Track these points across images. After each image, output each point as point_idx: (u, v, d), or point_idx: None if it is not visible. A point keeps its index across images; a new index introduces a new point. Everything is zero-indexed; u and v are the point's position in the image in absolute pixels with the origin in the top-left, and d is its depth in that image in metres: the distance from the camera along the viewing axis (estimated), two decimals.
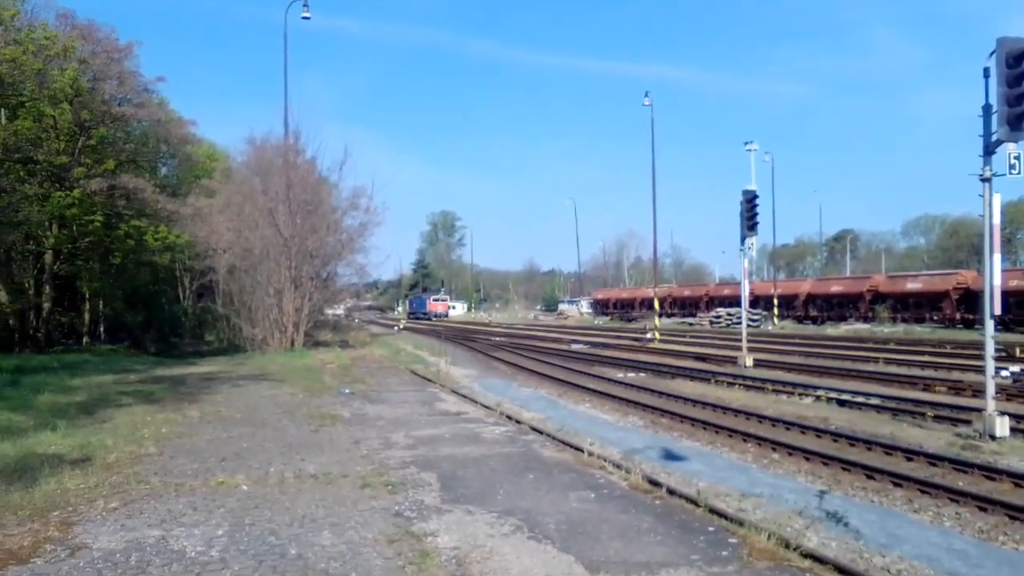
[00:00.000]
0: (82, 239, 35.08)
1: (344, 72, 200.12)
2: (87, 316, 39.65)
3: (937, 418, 14.88)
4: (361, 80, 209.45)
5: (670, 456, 12.43)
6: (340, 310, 49.26)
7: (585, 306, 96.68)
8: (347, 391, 18.04)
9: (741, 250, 26.12)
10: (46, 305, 34.15)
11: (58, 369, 22.08)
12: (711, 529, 7.02)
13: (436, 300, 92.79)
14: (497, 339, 46.54)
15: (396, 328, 64.24)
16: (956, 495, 9.69)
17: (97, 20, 36.59)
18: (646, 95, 41.90)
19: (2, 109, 30.61)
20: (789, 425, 14.69)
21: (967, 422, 14.00)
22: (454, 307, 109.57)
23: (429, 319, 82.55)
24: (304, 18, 35.25)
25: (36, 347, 32.08)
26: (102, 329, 42.12)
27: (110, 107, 37.09)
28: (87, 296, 38.75)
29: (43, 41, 31.47)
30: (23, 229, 31.25)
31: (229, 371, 23.45)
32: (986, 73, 12.75)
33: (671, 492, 8.56)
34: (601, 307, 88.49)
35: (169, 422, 13.00)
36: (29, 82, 29.70)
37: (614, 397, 19.35)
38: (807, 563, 6.36)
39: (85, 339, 38.53)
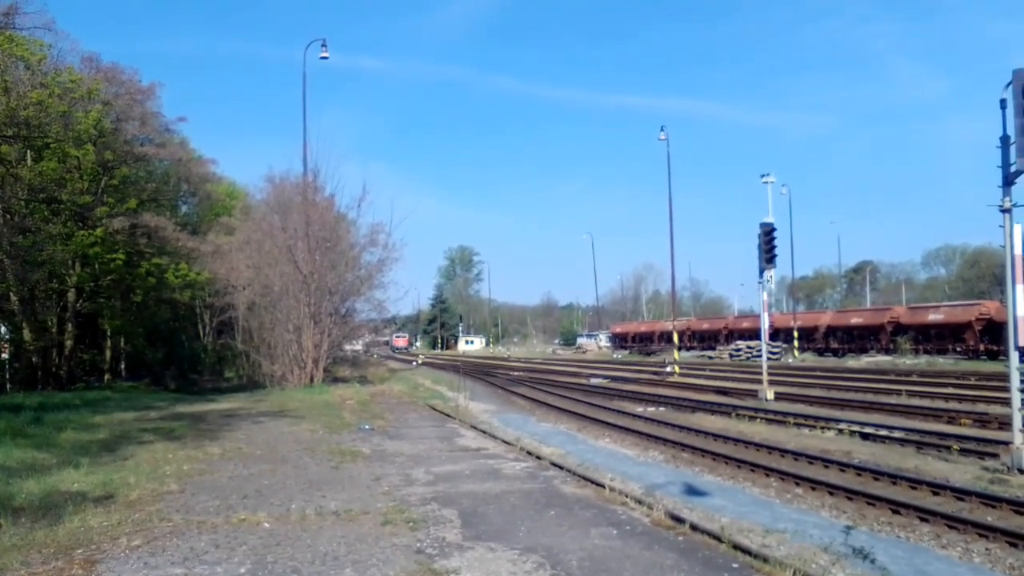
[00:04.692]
0: (104, 277, 35.52)
1: (363, 109, 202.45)
2: (108, 353, 39.99)
3: (963, 451, 14.67)
4: (379, 117, 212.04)
5: (692, 491, 12.32)
6: (359, 346, 49.40)
7: (604, 340, 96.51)
8: (367, 427, 18.03)
9: (760, 283, 26.05)
10: (68, 343, 34.48)
11: (80, 406, 22.22)
12: (735, 566, 6.94)
13: (398, 336, 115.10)
14: (516, 374, 46.45)
15: (415, 363, 64.24)
16: (985, 530, 9.54)
17: (120, 63, 37.48)
18: (662, 129, 42.16)
19: (28, 151, 31.18)
20: (812, 459, 14.53)
21: (994, 455, 13.79)
22: (472, 342, 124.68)
23: (395, 351, 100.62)
24: (323, 58, 35.78)
25: (58, 384, 32.33)
26: (123, 366, 42.48)
27: (132, 147, 37.81)
28: (109, 333, 39.13)
29: (68, 84, 32.13)
30: (47, 268, 31.66)
31: (249, 408, 23.50)
32: (1003, 104, 12.74)
33: (694, 528, 8.47)
34: (620, 341, 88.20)
35: (190, 459, 13.03)
36: (54, 124, 30.25)
37: (634, 432, 19.24)
38: None
39: (106, 376, 38.84)
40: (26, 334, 31.98)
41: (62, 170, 32.79)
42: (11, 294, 31.05)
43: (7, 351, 31.22)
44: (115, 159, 35.99)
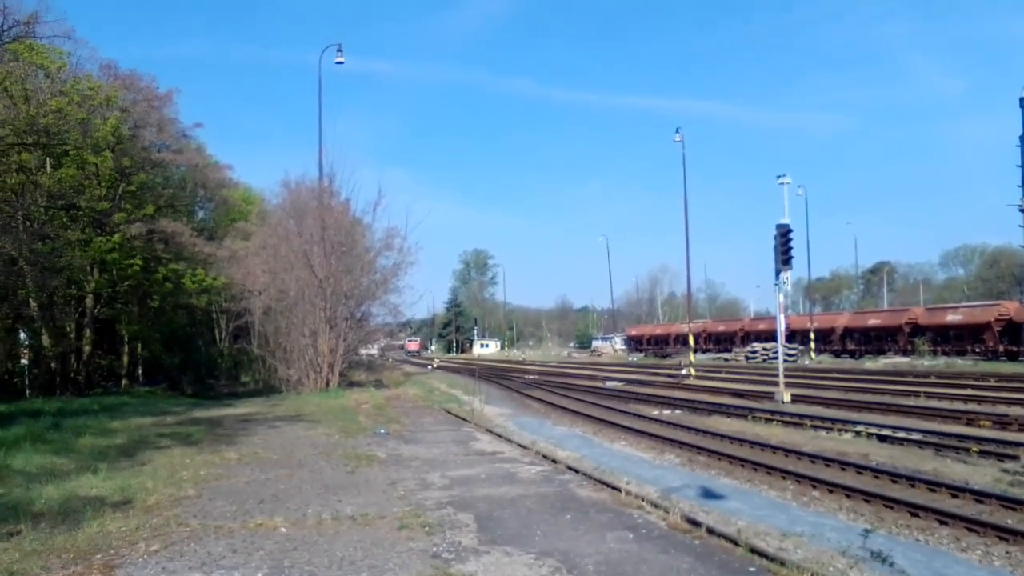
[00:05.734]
0: (122, 283, 35.81)
1: (378, 113, 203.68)
2: (126, 359, 40.25)
3: (982, 453, 14.54)
4: (395, 120, 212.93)
5: (708, 494, 12.27)
6: (374, 350, 49.50)
7: (619, 343, 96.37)
8: (382, 431, 18.05)
9: (776, 284, 25.88)
10: (86, 348, 34.76)
11: (98, 412, 22.39)
12: (752, 569, 6.91)
13: (410, 340, 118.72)
14: (531, 377, 46.42)
15: (430, 367, 64.31)
16: (1005, 533, 9.44)
17: (137, 69, 37.77)
18: (677, 131, 41.96)
19: (47, 158, 31.48)
20: (829, 462, 14.44)
21: (1014, 457, 13.67)
22: (487, 345, 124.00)
23: (407, 354, 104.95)
24: (338, 63, 35.96)
25: (77, 390, 32.59)
26: (140, 371, 42.74)
27: (150, 153, 38.16)
28: (126, 339, 39.39)
29: (87, 91, 32.47)
30: (65, 274, 31.95)
31: (265, 412, 23.59)
32: (1022, 103, 12.64)
33: (710, 531, 8.43)
34: (635, 343, 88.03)
35: (207, 464, 13.10)
36: (73, 131, 30.54)
37: (650, 435, 19.17)
38: None
39: (124, 381, 39.08)
40: (45, 340, 32.28)
41: (81, 177, 33.10)
42: (31, 300, 31.35)
43: (27, 357, 31.52)
44: (132, 165, 36.30)
